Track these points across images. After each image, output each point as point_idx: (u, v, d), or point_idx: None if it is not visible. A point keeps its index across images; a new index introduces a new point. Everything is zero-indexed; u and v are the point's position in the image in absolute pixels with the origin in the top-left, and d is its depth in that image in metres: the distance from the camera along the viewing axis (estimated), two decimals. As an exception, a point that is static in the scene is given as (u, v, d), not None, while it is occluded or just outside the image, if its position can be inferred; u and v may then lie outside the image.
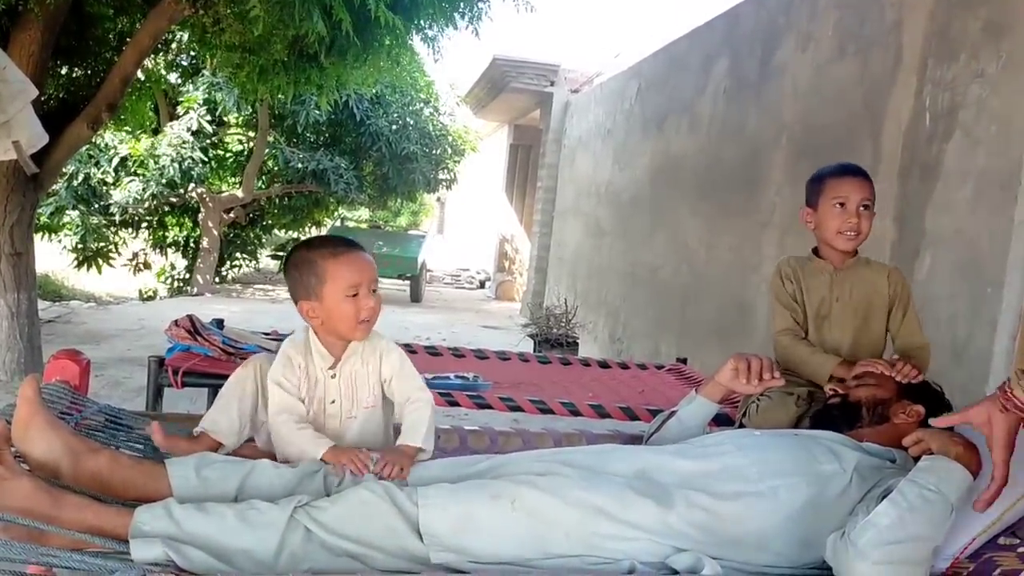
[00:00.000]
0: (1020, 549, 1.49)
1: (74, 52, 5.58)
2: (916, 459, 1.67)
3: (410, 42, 5.58)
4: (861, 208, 2.17)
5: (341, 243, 1.82)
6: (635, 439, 2.36)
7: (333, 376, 1.83)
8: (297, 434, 1.77)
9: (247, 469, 1.61)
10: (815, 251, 2.30)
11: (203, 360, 3.02)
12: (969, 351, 2.86)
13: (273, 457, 1.88)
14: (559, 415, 2.90)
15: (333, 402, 1.84)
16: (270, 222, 13.27)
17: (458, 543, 1.46)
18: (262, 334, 3.66)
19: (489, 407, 2.90)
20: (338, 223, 14.06)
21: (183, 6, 4.89)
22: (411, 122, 11.59)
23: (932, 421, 1.53)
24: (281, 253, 14.30)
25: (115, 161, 10.35)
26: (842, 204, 2.17)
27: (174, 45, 6.66)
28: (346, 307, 1.76)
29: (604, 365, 3.92)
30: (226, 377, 2.87)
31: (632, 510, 1.50)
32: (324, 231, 14.31)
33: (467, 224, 19.86)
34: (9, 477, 1.44)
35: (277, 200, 12.56)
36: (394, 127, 11.37)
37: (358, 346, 1.84)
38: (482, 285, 15.37)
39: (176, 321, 3.18)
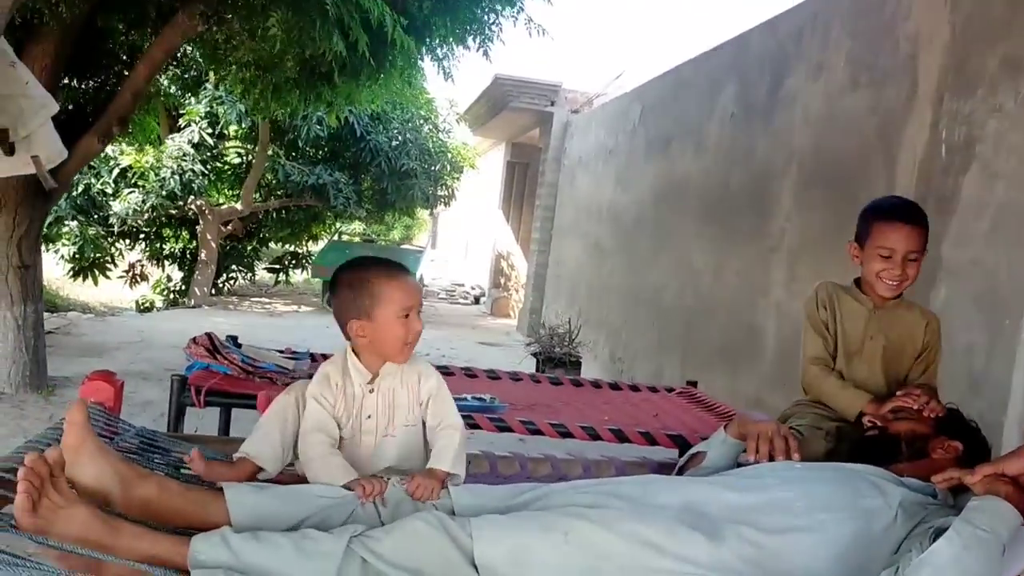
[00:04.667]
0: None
1: (84, 65, 5.58)
2: (954, 494, 1.69)
3: (421, 63, 5.63)
4: (908, 260, 2.10)
5: (395, 266, 1.85)
6: (663, 466, 2.37)
7: (371, 391, 1.85)
8: (327, 457, 1.77)
9: (302, 497, 1.62)
10: (857, 282, 2.26)
11: (223, 379, 3.01)
12: (986, 382, 2.90)
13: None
14: (579, 439, 2.90)
15: (369, 417, 1.84)
16: (267, 235, 13.26)
17: (513, 575, 1.46)
18: (277, 352, 3.66)
19: (510, 430, 2.90)
20: (335, 237, 14.05)
21: (196, 22, 4.91)
22: (411, 138, 11.63)
23: (968, 481, 1.55)
24: (277, 266, 14.26)
25: (115, 172, 10.34)
26: (887, 256, 2.10)
27: (184, 60, 6.66)
28: (397, 329, 1.79)
29: (615, 387, 3.94)
30: (245, 396, 2.90)
31: (683, 544, 1.51)
32: (321, 245, 14.30)
33: (461, 239, 19.88)
34: (65, 505, 1.43)
35: (275, 213, 12.56)
36: (394, 143, 11.42)
37: (397, 366, 1.86)
38: (477, 301, 15.37)
39: (195, 339, 3.18)
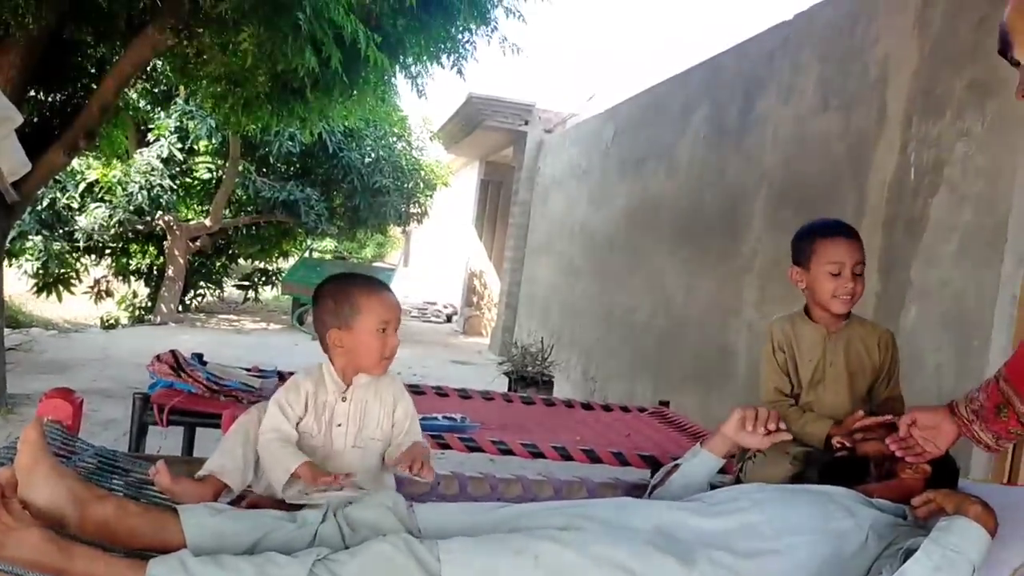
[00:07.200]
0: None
1: (51, 77, 5.50)
2: (925, 517, 1.68)
3: (394, 80, 5.62)
4: (856, 273, 2.11)
5: (377, 281, 1.91)
6: (635, 488, 2.35)
7: (344, 399, 1.88)
8: (280, 449, 1.80)
9: (261, 520, 1.57)
10: (806, 309, 2.23)
11: (187, 397, 2.95)
12: (955, 403, 2.91)
13: (272, 505, 1.85)
14: (550, 459, 2.88)
15: (340, 425, 1.87)
16: (236, 251, 13.11)
17: (482, 599, 1.43)
18: (243, 370, 3.60)
19: (480, 450, 2.86)
20: (307, 254, 13.95)
21: (166, 36, 4.86)
22: (384, 155, 11.60)
23: (941, 502, 1.56)
24: (246, 283, 14.10)
25: (81, 187, 10.19)
26: (837, 272, 2.10)
27: (154, 74, 6.59)
28: (374, 341, 1.83)
29: (587, 407, 3.91)
30: (210, 416, 2.84)
31: (655, 567, 1.49)
32: (291, 262, 14.17)
33: (433, 257, 19.83)
34: (17, 527, 1.39)
35: (245, 230, 12.44)
36: (367, 160, 11.39)
37: (372, 379, 1.90)
38: (449, 319, 15.30)
39: (158, 356, 3.10)
